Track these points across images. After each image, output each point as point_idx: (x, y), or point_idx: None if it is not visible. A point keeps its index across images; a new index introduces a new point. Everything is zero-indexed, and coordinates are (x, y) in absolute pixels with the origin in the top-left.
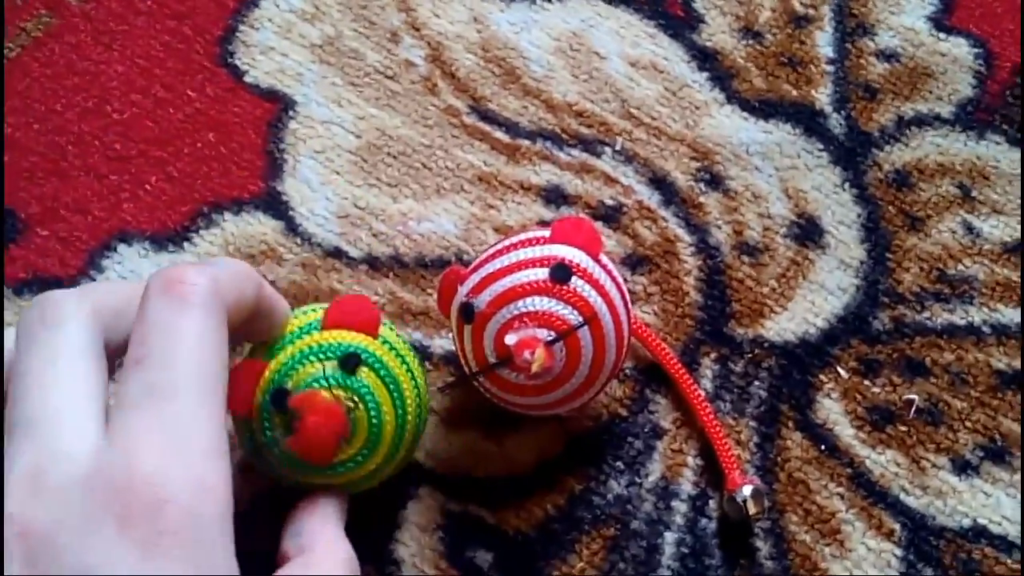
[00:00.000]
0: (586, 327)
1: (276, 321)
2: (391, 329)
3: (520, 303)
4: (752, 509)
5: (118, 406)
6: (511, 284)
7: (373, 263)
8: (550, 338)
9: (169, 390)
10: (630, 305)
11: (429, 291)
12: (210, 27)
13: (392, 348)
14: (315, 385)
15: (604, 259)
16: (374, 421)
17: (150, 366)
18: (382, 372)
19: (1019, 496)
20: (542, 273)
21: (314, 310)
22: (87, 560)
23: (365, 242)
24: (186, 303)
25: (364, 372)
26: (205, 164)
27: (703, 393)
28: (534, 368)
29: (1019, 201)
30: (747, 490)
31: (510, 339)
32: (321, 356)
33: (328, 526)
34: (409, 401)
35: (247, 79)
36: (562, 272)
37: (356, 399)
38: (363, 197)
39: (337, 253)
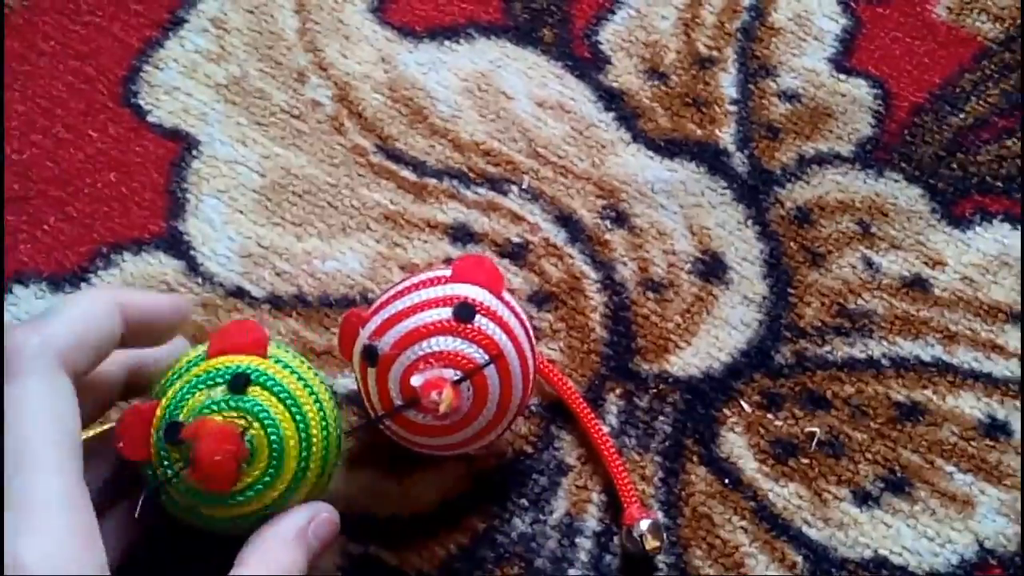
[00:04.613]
0: (492, 365)
1: (162, 327)
2: (286, 350)
3: (425, 343)
4: (650, 543)
5: None
6: (414, 325)
7: (276, 302)
8: (457, 378)
9: (11, 466)
10: (535, 342)
11: (333, 330)
12: (114, 67)
13: (286, 366)
14: (205, 412)
15: (507, 296)
16: (273, 438)
17: None
18: (275, 388)
19: (918, 526)
20: (445, 313)
21: (202, 344)
22: None
23: (268, 281)
24: (12, 373)
25: (255, 391)
26: (105, 204)
27: (606, 429)
28: (442, 408)
29: (917, 237)
30: (645, 524)
31: (416, 380)
32: (209, 383)
33: (271, 538)
34: (311, 416)
35: (150, 119)
36: (466, 311)
37: (249, 418)
38: (267, 236)
39: (239, 293)
